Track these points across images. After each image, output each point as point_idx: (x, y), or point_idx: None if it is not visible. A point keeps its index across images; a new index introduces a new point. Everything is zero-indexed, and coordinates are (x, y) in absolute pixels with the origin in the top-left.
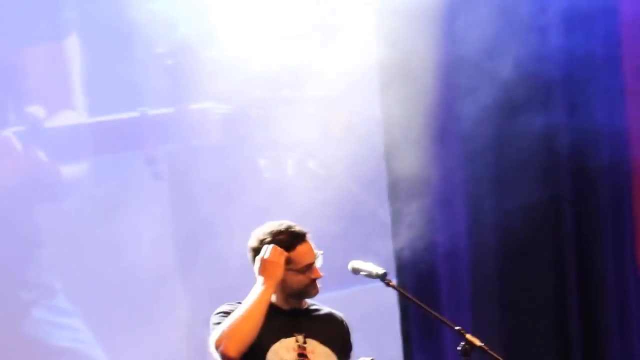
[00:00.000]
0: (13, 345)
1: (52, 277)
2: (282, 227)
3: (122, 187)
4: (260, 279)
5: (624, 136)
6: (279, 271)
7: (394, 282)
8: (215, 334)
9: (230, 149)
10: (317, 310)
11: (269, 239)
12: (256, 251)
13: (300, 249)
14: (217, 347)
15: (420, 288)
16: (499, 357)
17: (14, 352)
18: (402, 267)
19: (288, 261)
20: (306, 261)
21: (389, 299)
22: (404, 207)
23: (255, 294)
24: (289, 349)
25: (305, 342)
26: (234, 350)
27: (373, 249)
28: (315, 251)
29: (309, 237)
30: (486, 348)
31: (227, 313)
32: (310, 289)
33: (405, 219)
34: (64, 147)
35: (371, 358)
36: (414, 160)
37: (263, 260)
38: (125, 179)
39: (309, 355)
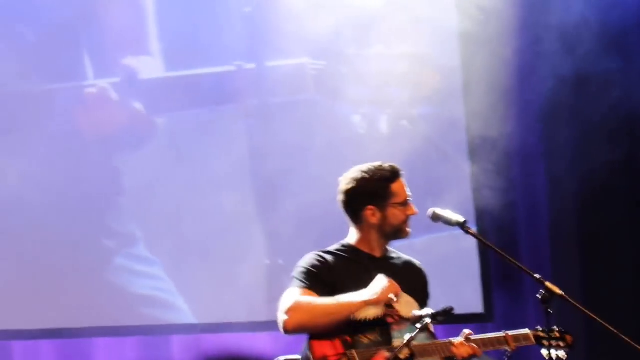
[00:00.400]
0: (95, 292)
1: (134, 226)
2: (380, 164)
3: (210, 139)
4: (369, 294)
5: None
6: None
7: (473, 229)
8: (291, 296)
9: (325, 103)
10: (398, 258)
11: (368, 176)
12: (349, 194)
13: (400, 182)
14: (283, 312)
15: (499, 237)
16: (579, 305)
17: (96, 300)
18: (482, 217)
19: (390, 195)
20: (405, 196)
21: (469, 247)
22: (483, 162)
23: (352, 302)
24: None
25: None
26: (293, 328)
27: (453, 200)
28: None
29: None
30: (566, 296)
31: (310, 271)
32: (405, 227)
33: (485, 173)
34: (159, 99)
35: (451, 307)
36: (493, 119)
37: (390, 284)
38: (218, 131)
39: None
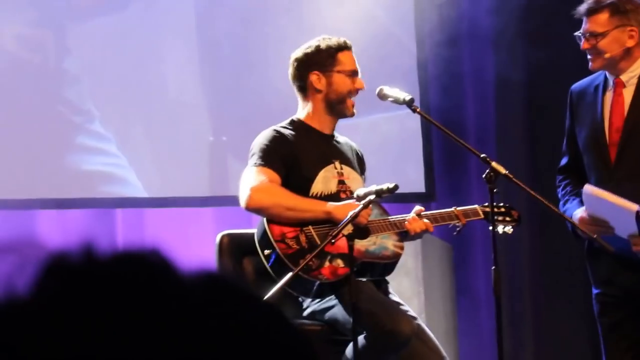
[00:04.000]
0: (50, 167)
1: (91, 103)
2: (328, 36)
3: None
4: (335, 211)
5: None
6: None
7: (419, 108)
8: (258, 174)
9: None
10: (340, 137)
11: (314, 44)
12: (296, 63)
13: (348, 54)
14: (248, 187)
15: (445, 118)
16: (523, 185)
17: (56, 177)
18: (427, 96)
19: (335, 62)
20: (352, 67)
21: (413, 127)
22: (432, 40)
23: (316, 209)
24: (329, 178)
25: (342, 168)
26: (254, 207)
27: (400, 78)
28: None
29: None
30: (511, 176)
31: (270, 147)
32: (349, 99)
33: (433, 51)
34: None
35: (394, 184)
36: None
37: (360, 217)
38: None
39: (346, 182)
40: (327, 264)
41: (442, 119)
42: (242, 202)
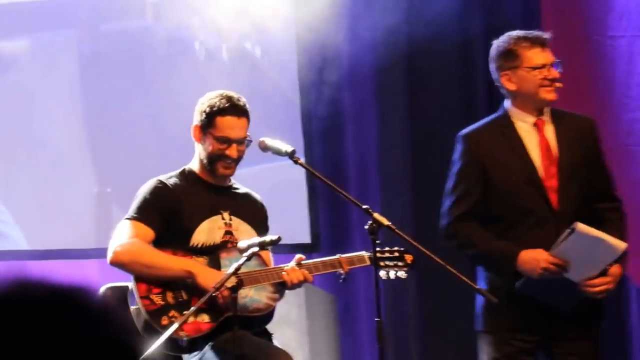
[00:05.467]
0: None
1: None
2: (223, 94)
3: (40, 67)
4: (197, 271)
5: None
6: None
7: (301, 159)
8: (125, 230)
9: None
10: (237, 188)
11: (210, 99)
12: (196, 109)
13: (230, 120)
14: (114, 244)
15: (328, 168)
16: (406, 236)
17: None
18: (311, 148)
19: (212, 125)
20: (227, 134)
21: (298, 177)
22: (314, 89)
23: (175, 267)
24: (214, 229)
25: (230, 219)
26: (115, 264)
27: (282, 125)
28: (247, 134)
29: (246, 118)
30: (393, 227)
31: (147, 201)
32: (218, 163)
33: (313, 102)
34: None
35: (278, 236)
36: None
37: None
38: (49, 58)
39: (234, 233)
40: (191, 319)
41: (326, 169)
42: (107, 258)
